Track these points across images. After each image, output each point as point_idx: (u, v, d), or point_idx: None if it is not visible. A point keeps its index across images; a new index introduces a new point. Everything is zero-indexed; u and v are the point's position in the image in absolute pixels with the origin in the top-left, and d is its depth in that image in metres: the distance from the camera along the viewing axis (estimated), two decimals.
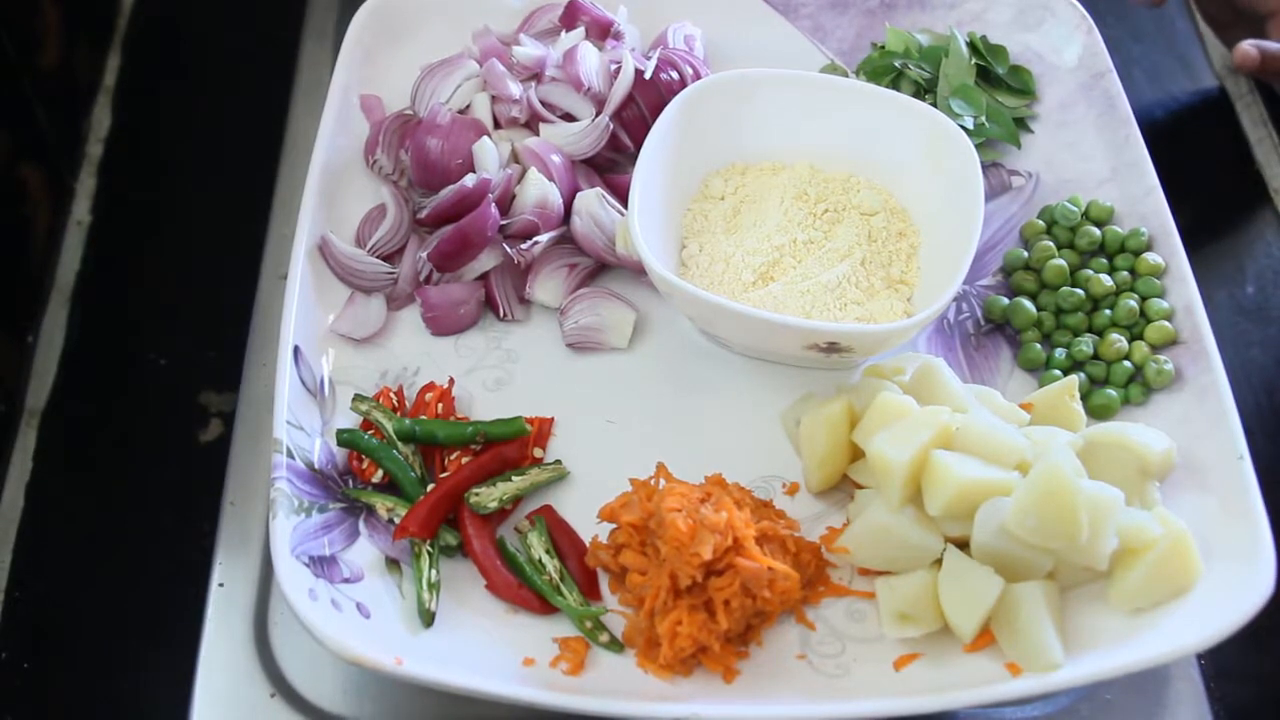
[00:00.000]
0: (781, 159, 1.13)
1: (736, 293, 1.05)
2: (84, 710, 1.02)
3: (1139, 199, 1.11)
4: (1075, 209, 1.12)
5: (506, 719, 0.93)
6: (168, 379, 1.18)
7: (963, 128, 1.10)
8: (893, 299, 1.05)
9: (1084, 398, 1.03)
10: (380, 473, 1.00)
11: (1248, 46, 1.28)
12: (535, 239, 1.08)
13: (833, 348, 0.99)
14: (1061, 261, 1.09)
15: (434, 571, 0.94)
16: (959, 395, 0.99)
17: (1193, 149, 1.33)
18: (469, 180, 1.08)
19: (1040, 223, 1.13)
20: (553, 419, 1.04)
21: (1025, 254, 1.12)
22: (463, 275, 1.10)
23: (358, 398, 1.03)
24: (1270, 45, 1.29)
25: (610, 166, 1.16)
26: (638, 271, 1.09)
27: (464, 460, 1.00)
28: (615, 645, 0.93)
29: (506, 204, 1.10)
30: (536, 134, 1.14)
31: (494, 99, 1.15)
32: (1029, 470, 0.91)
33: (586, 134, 1.12)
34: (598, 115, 1.13)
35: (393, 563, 0.96)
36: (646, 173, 1.05)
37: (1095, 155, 1.16)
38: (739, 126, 1.12)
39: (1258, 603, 0.87)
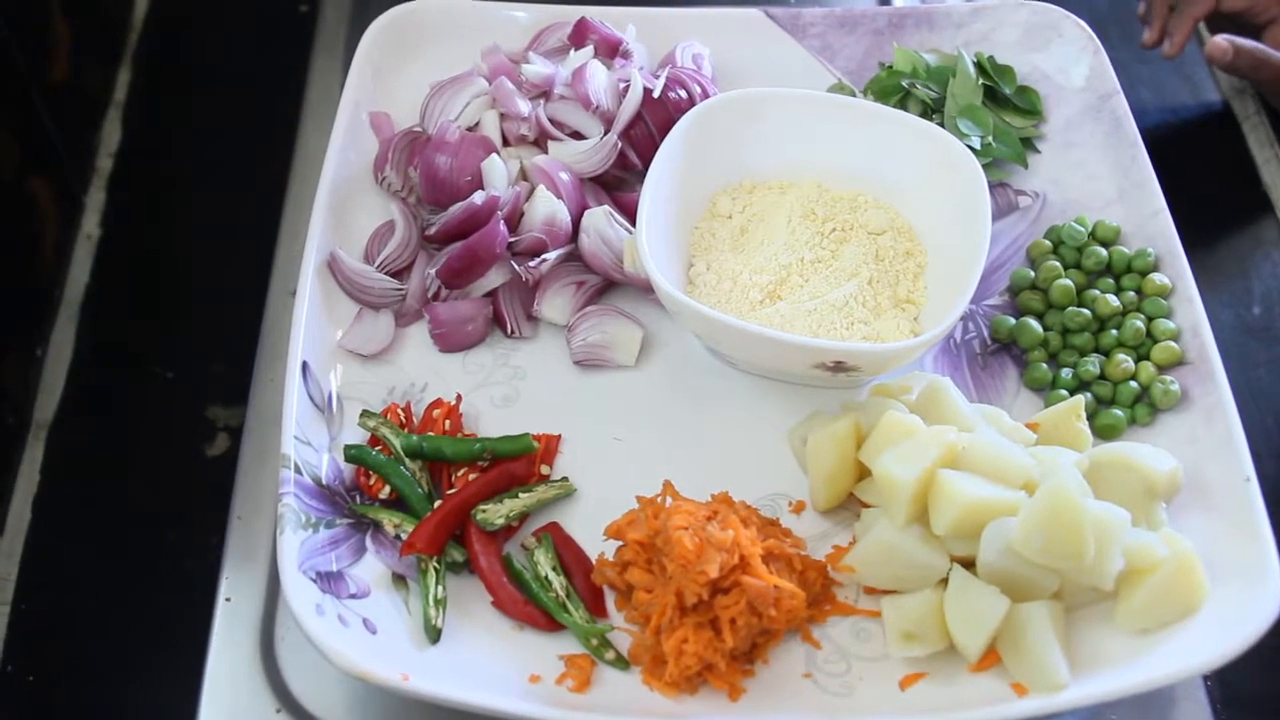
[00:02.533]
0: (789, 178, 1.13)
1: (744, 311, 1.05)
2: None
3: (1146, 219, 1.12)
4: (1082, 229, 1.12)
5: None
6: (175, 393, 1.18)
7: (970, 147, 1.10)
8: (900, 318, 1.05)
9: (1090, 418, 1.03)
10: (387, 489, 1.00)
11: (1221, 40, 1.28)
12: (543, 256, 1.08)
13: (839, 366, 0.99)
14: (1068, 281, 1.09)
15: (440, 588, 0.94)
16: (965, 414, 0.99)
17: (1199, 170, 1.34)
18: (477, 197, 1.08)
19: (1047, 243, 1.13)
20: (560, 436, 1.04)
21: (1032, 274, 1.12)
22: (471, 292, 1.10)
23: (365, 413, 1.03)
24: (1243, 41, 1.28)
25: (618, 184, 1.17)
26: (645, 289, 1.09)
27: (471, 477, 1.00)
28: (621, 663, 0.93)
29: (515, 221, 1.10)
30: (545, 152, 1.14)
31: (503, 117, 1.16)
32: (1035, 490, 0.91)
33: (595, 152, 1.13)
34: (606, 133, 1.13)
35: (399, 579, 0.96)
36: (654, 191, 1.05)
37: (1102, 175, 1.16)
38: (746, 145, 1.12)
39: (1264, 624, 0.87)
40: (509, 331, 1.10)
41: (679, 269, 1.08)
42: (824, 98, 1.15)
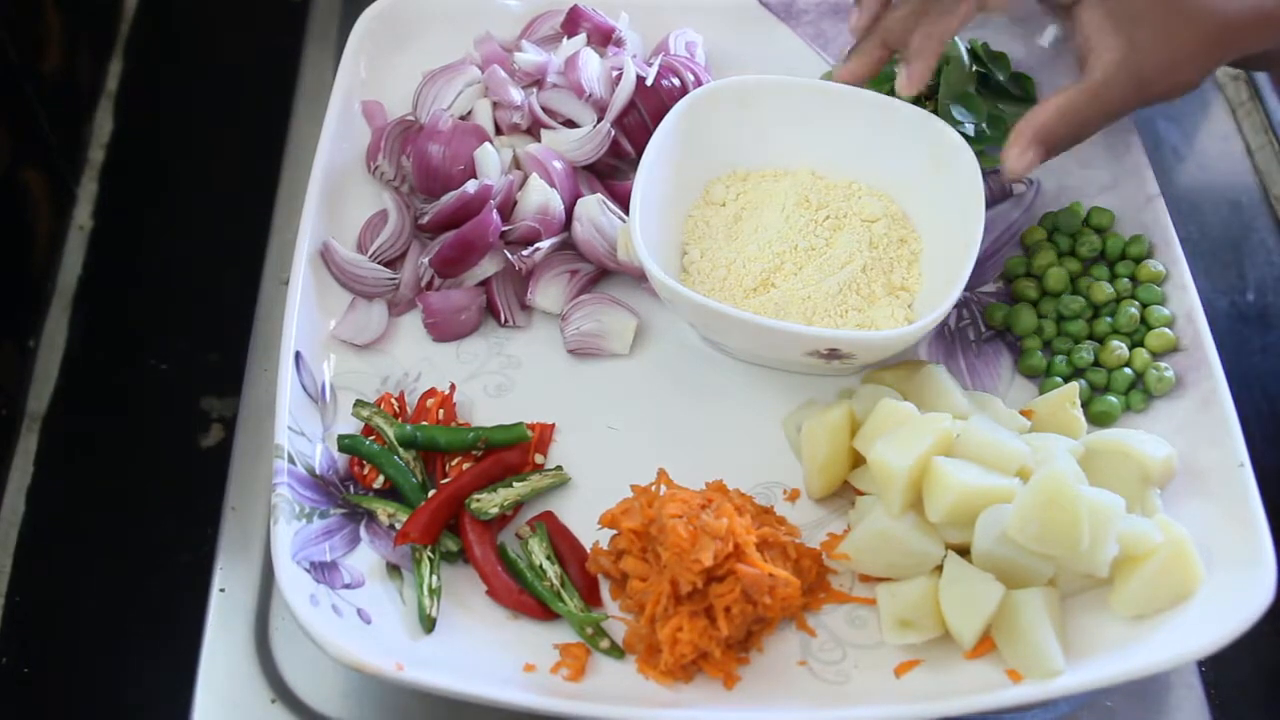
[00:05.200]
0: (783, 165, 1.13)
1: (738, 299, 1.05)
2: (84, 715, 1.03)
3: (1140, 206, 1.12)
4: (1076, 216, 1.12)
5: None
6: (169, 384, 1.18)
7: (963, 134, 1.10)
8: (894, 305, 1.05)
9: (1085, 405, 1.03)
10: (381, 478, 1.00)
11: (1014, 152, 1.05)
12: (536, 246, 1.08)
13: (834, 354, 0.99)
14: (1063, 269, 1.09)
15: (435, 577, 0.94)
16: (960, 402, 0.99)
17: (1193, 156, 1.34)
18: (470, 186, 1.08)
19: (1041, 230, 1.13)
20: (554, 425, 1.04)
21: (1026, 261, 1.12)
22: (464, 281, 1.10)
23: (359, 403, 1.03)
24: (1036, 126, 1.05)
25: (612, 173, 1.17)
26: (639, 278, 1.09)
27: (465, 466, 1.00)
28: (616, 651, 0.93)
29: (508, 210, 1.10)
30: (538, 140, 1.14)
31: (495, 105, 1.15)
32: (1030, 477, 0.91)
33: (588, 140, 1.12)
34: (599, 121, 1.13)
35: (394, 568, 0.96)
36: (647, 179, 1.05)
37: (1096, 162, 1.16)
38: (740, 133, 1.12)
39: (1258, 610, 0.87)
40: (503, 320, 1.09)
41: (672, 257, 1.08)
42: (818, 85, 1.15)
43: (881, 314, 1.04)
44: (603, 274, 1.12)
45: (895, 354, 1.04)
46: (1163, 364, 1.03)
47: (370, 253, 1.09)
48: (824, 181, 1.12)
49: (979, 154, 1.09)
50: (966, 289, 1.09)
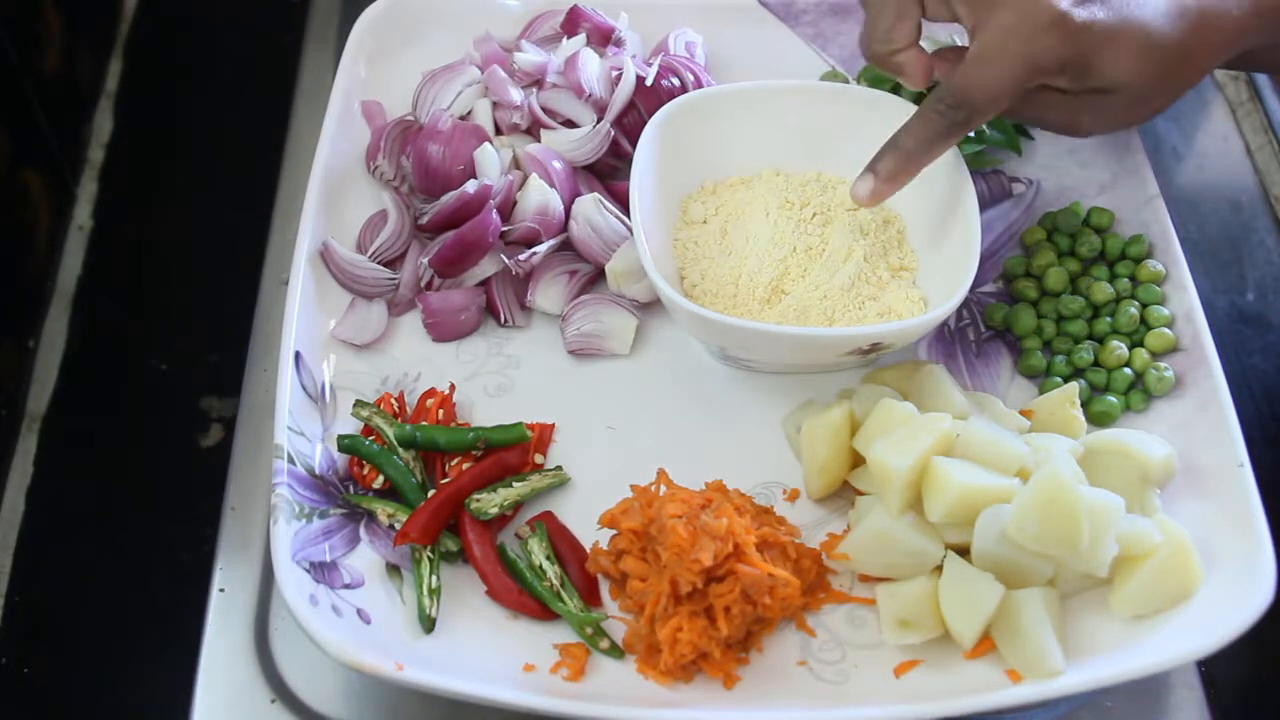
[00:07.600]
0: (749, 170, 1.12)
1: (754, 313, 1.03)
2: (84, 715, 1.03)
3: (1140, 206, 1.12)
4: (1076, 216, 1.12)
5: None
6: (169, 384, 1.18)
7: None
8: (903, 286, 1.05)
9: (1084, 405, 1.03)
10: (381, 478, 1.00)
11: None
12: (533, 250, 1.08)
13: (875, 348, 0.99)
14: (1063, 269, 1.09)
15: (435, 577, 0.94)
16: (959, 402, 0.99)
17: (1193, 156, 1.34)
18: (470, 186, 1.08)
19: (1041, 230, 1.13)
20: (554, 425, 1.04)
21: (1026, 261, 1.12)
22: (464, 281, 1.10)
23: (359, 403, 1.03)
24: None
25: (611, 173, 1.17)
26: (631, 302, 1.09)
27: (465, 466, 1.00)
28: (616, 651, 0.93)
29: (508, 210, 1.10)
30: (538, 140, 1.14)
31: (495, 105, 1.15)
32: (1029, 477, 0.91)
33: (588, 140, 1.12)
34: (599, 122, 1.13)
35: (393, 568, 0.96)
36: (640, 211, 1.03)
37: (1096, 162, 1.16)
38: (703, 147, 1.10)
39: (1258, 610, 0.87)
40: (502, 320, 1.09)
41: (673, 283, 1.06)
42: (771, 86, 1.13)
43: (895, 298, 1.04)
44: (602, 273, 1.12)
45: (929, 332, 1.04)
46: (1162, 364, 1.03)
47: (370, 253, 1.09)
48: (794, 179, 1.11)
49: (979, 154, 1.10)
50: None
